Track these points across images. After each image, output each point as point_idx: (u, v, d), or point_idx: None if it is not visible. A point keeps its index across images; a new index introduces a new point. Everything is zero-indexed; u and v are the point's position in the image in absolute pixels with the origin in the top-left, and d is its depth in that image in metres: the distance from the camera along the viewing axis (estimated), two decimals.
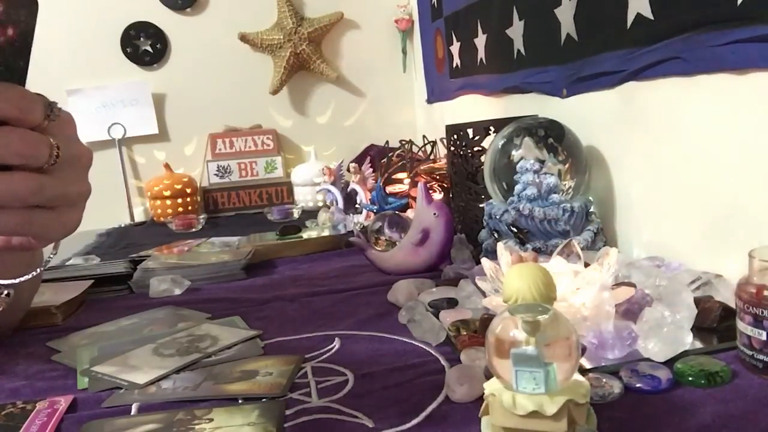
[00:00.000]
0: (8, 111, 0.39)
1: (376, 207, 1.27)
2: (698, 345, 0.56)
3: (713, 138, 0.70)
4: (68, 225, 0.45)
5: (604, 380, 0.49)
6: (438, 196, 1.25)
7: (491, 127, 0.98)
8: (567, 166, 0.89)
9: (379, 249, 0.98)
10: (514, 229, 0.86)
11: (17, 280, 0.55)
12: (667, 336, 0.53)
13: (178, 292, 0.94)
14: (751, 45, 0.61)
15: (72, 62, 1.92)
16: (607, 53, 0.86)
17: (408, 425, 0.48)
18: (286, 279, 0.99)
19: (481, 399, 0.46)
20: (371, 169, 1.42)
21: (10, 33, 0.38)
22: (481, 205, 0.97)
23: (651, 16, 0.75)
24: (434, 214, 0.91)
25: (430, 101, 1.91)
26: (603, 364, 0.54)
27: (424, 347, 0.64)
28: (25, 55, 0.39)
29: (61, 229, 0.45)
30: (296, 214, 1.64)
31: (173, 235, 1.52)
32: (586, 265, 0.61)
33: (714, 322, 0.58)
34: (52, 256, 0.56)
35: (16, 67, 0.39)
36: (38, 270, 0.57)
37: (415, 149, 1.55)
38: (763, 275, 0.50)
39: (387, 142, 1.99)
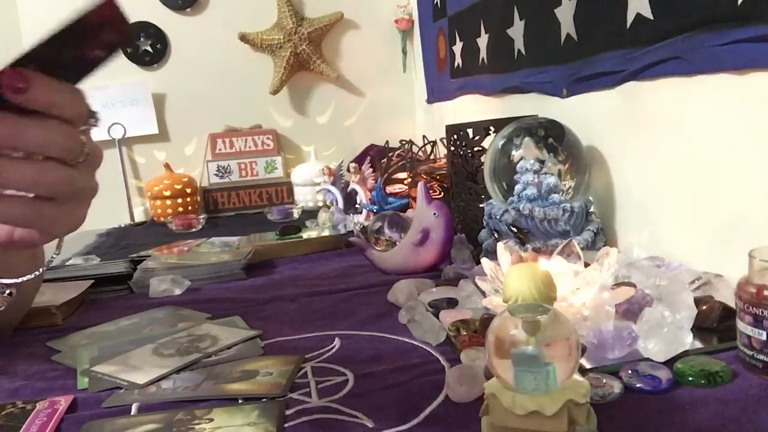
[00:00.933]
0: (68, 112, 0.41)
1: (376, 207, 1.27)
2: (698, 345, 0.56)
3: (713, 138, 0.70)
4: (73, 221, 0.45)
5: (604, 380, 0.49)
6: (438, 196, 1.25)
7: (491, 127, 0.98)
8: (567, 166, 0.89)
9: (379, 249, 0.98)
10: (514, 229, 0.86)
11: (19, 280, 0.56)
12: (667, 336, 0.53)
13: (178, 292, 0.94)
14: (751, 45, 0.61)
15: None
16: (607, 53, 0.86)
17: (408, 425, 0.48)
18: (286, 279, 0.99)
19: (481, 399, 0.46)
20: (371, 169, 1.42)
21: (100, 54, 0.40)
22: (481, 205, 0.97)
23: (651, 16, 0.75)
24: (434, 214, 0.91)
25: (430, 101, 1.91)
26: (603, 364, 0.54)
27: (424, 347, 0.64)
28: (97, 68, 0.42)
29: (66, 224, 0.45)
30: (296, 214, 1.64)
31: (173, 235, 1.52)
32: (586, 265, 0.61)
33: (714, 322, 0.58)
34: (54, 256, 0.56)
35: (84, 76, 0.42)
36: (40, 270, 0.57)
37: (415, 149, 1.55)
38: (763, 275, 0.50)
39: (387, 142, 1.99)
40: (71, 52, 0.39)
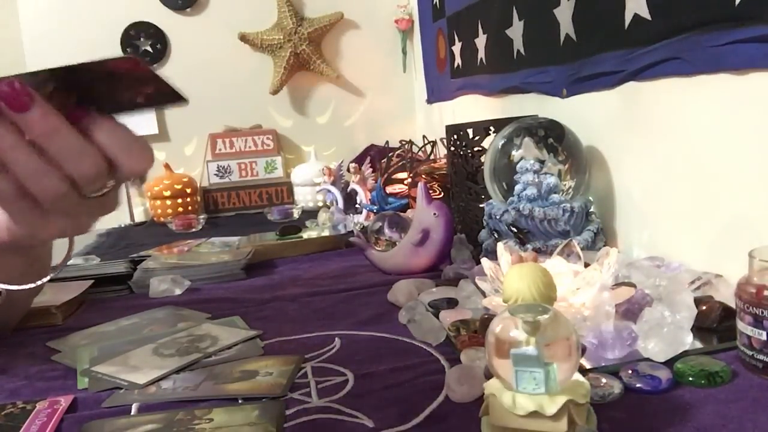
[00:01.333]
0: (130, 169, 0.41)
1: (376, 207, 1.27)
2: (698, 345, 0.56)
3: (713, 138, 0.70)
4: (43, 231, 0.45)
5: (604, 380, 0.49)
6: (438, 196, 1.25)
7: (491, 127, 0.98)
8: (567, 166, 0.89)
9: (379, 249, 0.98)
10: (514, 229, 0.86)
11: (12, 287, 0.55)
12: (667, 336, 0.53)
13: (178, 292, 0.94)
14: (751, 45, 0.61)
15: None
16: (606, 53, 0.86)
17: (408, 425, 0.48)
18: (286, 279, 0.99)
19: (481, 399, 0.46)
20: (371, 169, 1.42)
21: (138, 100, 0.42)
22: (481, 205, 0.97)
23: (648, 17, 0.75)
24: (434, 214, 0.91)
25: (430, 101, 1.91)
26: (603, 364, 0.54)
27: (424, 347, 0.64)
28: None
29: (34, 229, 0.45)
30: (296, 214, 1.64)
31: (173, 235, 1.52)
32: (586, 265, 0.61)
33: (714, 322, 0.58)
34: (52, 274, 0.56)
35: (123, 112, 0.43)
36: (37, 283, 0.57)
37: (415, 149, 1.55)
38: (763, 275, 0.50)
39: (387, 142, 1.99)
40: (101, 86, 0.40)
